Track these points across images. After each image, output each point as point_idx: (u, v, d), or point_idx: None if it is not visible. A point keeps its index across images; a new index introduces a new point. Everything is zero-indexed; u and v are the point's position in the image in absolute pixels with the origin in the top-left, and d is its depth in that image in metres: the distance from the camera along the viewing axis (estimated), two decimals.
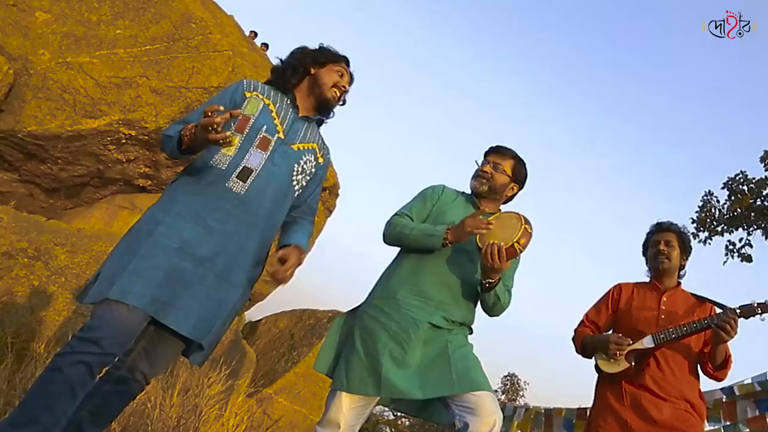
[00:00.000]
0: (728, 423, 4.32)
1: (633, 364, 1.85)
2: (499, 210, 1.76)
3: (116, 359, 1.38)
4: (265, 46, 7.68)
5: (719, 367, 1.87)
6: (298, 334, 4.70)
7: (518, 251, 1.52)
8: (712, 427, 4.45)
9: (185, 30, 3.65)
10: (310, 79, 1.56)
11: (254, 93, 1.49)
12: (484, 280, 1.56)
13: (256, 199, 1.42)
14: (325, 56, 1.57)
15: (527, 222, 1.55)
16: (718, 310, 1.91)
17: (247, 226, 1.41)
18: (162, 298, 1.29)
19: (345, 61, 1.62)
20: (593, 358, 1.99)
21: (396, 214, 1.70)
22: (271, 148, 1.45)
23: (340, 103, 1.65)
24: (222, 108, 1.29)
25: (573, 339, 2.09)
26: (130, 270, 1.26)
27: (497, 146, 1.77)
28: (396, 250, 1.74)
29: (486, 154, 1.78)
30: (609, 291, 2.12)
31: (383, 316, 1.55)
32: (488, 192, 1.71)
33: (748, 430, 4.16)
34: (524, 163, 1.78)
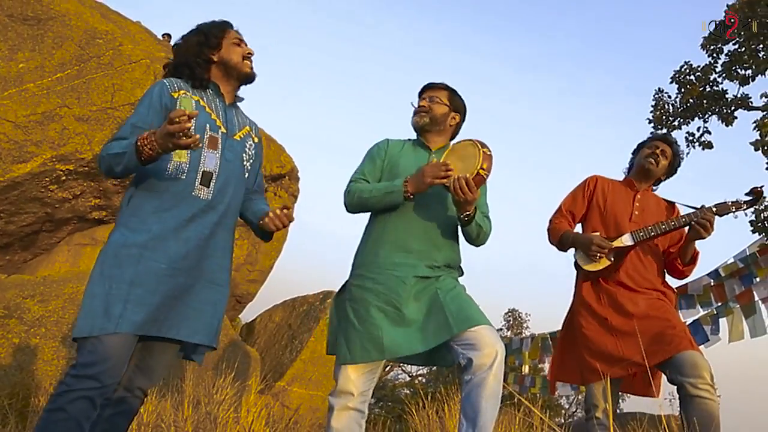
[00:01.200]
0: (720, 303, 4.58)
1: (613, 260, 1.91)
2: (449, 144, 1.75)
3: None
4: None
5: (688, 263, 1.95)
6: (294, 323, 4.74)
7: (485, 176, 1.52)
8: (704, 311, 4.72)
9: (93, 48, 3.46)
10: (218, 65, 1.51)
11: (181, 92, 1.45)
12: (462, 215, 1.56)
13: (221, 199, 1.44)
14: (214, 34, 1.51)
15: (483, 145, 1.54)
16: (684, 211, 1.97)
17: (220, 227, 1.44)
18: (160, 317, 1.32)
19: (231, 25, 1.57)
20: (573, 255, 2.04)
21: (351, 182, 1.68)
22: (220, 145, 1.46)
23: None
24: (187, 112, 1.24)
25: (549, 229, 2.11)
26: (132, 300, 1.27)
27: (428, 83, 1.76)
28: (365, 217, 1.73)
29: (420, 93, 1.76)
30: (585, 181, 2.15)
31: (369, 281, 1.55)
32: (430, 124, 1.69)
33: (738, 305, 4.42)
34: (459, 94, 1.76)
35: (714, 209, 1.87)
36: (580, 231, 2.12)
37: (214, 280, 1.42)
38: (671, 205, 2.06)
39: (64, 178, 3.69)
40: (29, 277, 3.80)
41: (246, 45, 1.56)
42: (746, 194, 1.93)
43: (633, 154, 2.16)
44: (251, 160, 1.57)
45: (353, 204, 1.65)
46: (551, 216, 2.15)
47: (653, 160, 2.03)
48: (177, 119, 1.21)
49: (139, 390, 1.42)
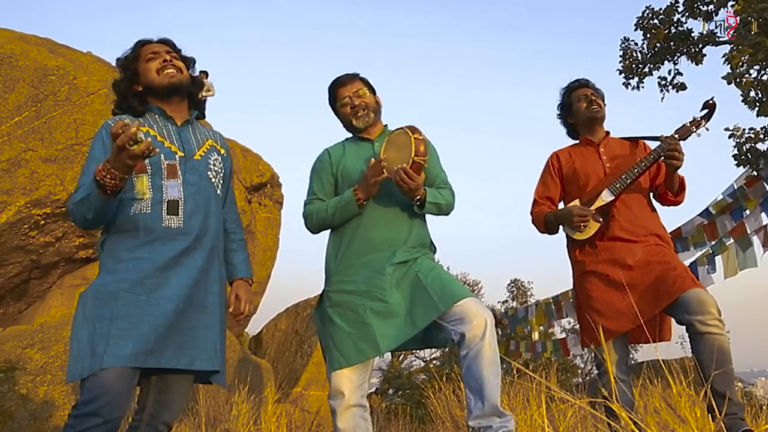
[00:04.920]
0: (713, 242, 4.61)
1: (602, 221, 1.89)
2: (384, 126, 1.76)
3: (133, 420, 1.41)
4: None
5: (678, 191, 1.93)
6: (301, 327, 4.74)
7: (422, 163, 1.52)
8: (700, 252, 4.75)
9: (47, 85, 3.38)
10: (148, 92, 1.47)
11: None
12: (413, 201, 1.58)
13: (195, 223, 1.42)
14: (129, 60, 1.48)
15: (414, 131, 1.55)
16: (650, 144, 1.95)
17: (199, 251, 1.42)
18: (157, 348, 1.30)
19: (144, 43, 1.50)
20: (564, 231, 2.01)
21: (306, 204, 1.69)
22: (180, 172, 1.44)
23: (193, 75, 1.56)
24: (127, 121, 1.20)
25: (533, 221, 2.10)
26: (114, 335, 1.25)
27: (340, 79, 1.71)
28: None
29: (336, 90, 1.71)
30: (547, 162, 2.12)
31: (348, 284, 1.54)
32: (374, 118, 1.70)
33: (732, 240, 4.45)
34: (362, 75, 1.76)
35: (676, 135, 1.86)
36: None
37: (202, 304, 1.41)
38: (635, 142, 2.03)
39: (42, 222, 3.63)
40: (26, 326, 3.76)
41: (164, 54, 1.47)
42: (701, 110, 1.92)
43: (561, 117, 2.13)
44: (219, 176, 1.54)
45: (315, 226, 1.67)
46: (530, 209, 2.13)
47: (596, 106, 2.01)
48: (120, 131, 1.16)
49: (162, 425, 1.41)
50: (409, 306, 1.48)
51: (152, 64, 1.46)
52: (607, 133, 2.09)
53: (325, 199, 1.68)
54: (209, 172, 1.50)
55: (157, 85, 1.45)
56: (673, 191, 1.92)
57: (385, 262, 1.53)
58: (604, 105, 2.07)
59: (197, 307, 1.40)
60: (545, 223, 2.03)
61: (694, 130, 1.88)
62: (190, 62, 1.56)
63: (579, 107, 2.06)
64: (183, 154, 1.46)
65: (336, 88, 1.73)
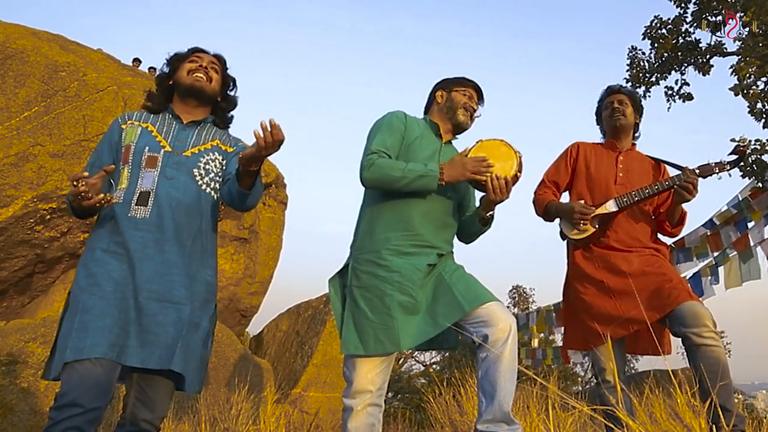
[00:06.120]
0: (716, 253, 4.59)
1: (597, 227, 1.91)
2: (455, 138, 1.76)
3: (120, 418, 1.41)
4: (153, 69, 7.44)
5: (676, 224, 1.94)
6: (302, 328, 4.74)
7: (518, 179, 1.55)
8: (703, 263, 4.72)
9: (56, 81, 3.40)
10: (175, 87, 1.58)
11: (129, 122, 1.52)
12: (487, 214, 1.58)
13: (165, 215, 1.42)
14: (175, 61, 1.58)
15: (516, 150, 1.56)
16: (671, 170, 1.96)
17: (168, 244, 1.41)
18: (118, 341, 1.30)
19: (197, 51, 1.60)
20: (558, 225, 2.03)
21: (372, 153, 1.54)
22: (159, 163, 1.46)
23: (228, 88, 1.63)
24: (87, 174, 1.32)
25: (534, 201, 2.10)
26: (76, 328, 1.28)
27: (479, 86, 1.76)
28: (361, 196, 1.69)
29: (466, 85, 1.73)
30: (567, 149, 2.13)
31: (381, 269, 1.48)
32: (466, 128, 1.72)
33: (735, 252, 4.43)
34: None
35: (697, 171, 1.86)
36: (567, 199, 2.10)
37: (170, 299, 1.39)
38: (657, 164, 2.04)
39: (48, 217, 3.65)
40: (29, 320, 3.77)
41: (206, 61, 1.57)
42: (729, 154, 1.92)
43: (597, 121, 2.16)
44: (212, 175, 1.53)
45: (374, 179, 1.53)
46: (535, 188, 2.13)
47: (618, 115, 2.03)
48: (74, 183, 1.30)
49: (145, 422, 1.40)
50: (430, 306, 1.46)
51: (188, 65, 1.57)
52: (634, 145, 2.09)
53: (392, 158, 1.59)
54: (195, 170, 1.50)
55: (181, 82, 1.55)
56: (672, 222, 1.94)
57: (424, 260, 1.51)
58: (636, 113, 2.07)
59: (166, 303, 1.37)
60: (545, 208, 2.05)
61: (717, 171, 1.88)
62: (230, 81, 1.65)
63: (606, 113, 2.08)
64: (170, 149, 1.49)
65: (473, 84, 1.75)
